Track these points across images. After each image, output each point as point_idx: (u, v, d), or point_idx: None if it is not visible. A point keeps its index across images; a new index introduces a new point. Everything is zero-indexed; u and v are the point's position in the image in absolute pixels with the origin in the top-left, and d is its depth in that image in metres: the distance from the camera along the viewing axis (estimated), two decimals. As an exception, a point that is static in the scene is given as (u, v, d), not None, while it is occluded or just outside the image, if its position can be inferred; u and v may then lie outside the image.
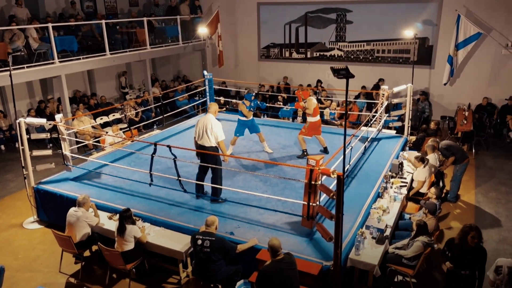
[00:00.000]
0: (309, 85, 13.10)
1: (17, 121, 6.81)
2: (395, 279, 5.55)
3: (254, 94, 8.29)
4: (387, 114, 9.19)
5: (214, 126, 6.23)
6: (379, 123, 9.01)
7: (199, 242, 4.87)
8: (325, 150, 8.12)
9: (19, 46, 9.34)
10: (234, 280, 5.01)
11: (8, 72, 7.28)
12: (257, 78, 14.44)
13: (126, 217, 5.35)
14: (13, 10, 10.36)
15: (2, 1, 10.82)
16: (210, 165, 6.25)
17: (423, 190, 6.95)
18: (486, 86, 11.48)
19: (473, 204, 7.64)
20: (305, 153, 7.94)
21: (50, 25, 9.57)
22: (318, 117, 7.94)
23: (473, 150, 10.01)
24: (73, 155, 7.49)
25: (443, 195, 7.64)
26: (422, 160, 6.94)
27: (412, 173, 7.33)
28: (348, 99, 7.48)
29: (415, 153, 7.69)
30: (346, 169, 6.73)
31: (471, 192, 8.03)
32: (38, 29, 9.85)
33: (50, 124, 7.33)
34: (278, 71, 14.12)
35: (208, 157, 6.26)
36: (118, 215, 5.93)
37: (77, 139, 8.80)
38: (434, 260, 5.93)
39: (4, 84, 9.06)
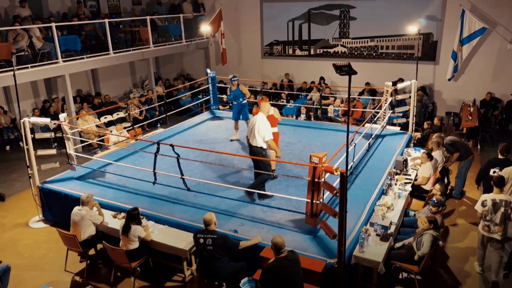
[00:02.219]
0: (312, 82, 13.06)
1: (22, 120, 6.84)
2: (400, 276, 5.53)
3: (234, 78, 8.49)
4: (391, 111, 9.15)
5: (261, 126, 6.24)
6: (383, 120, 8.98)
7: (201, 240, 4.87)
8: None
9: (23, 46, 9.38)
10: (238, 278, 5.01)
11: (12, 72, 7.31)
12: (260, 75, 14.42)
13: (133, 216, 5.37)
14: (16, 10, 10.40)
15: (5, 1, 10.87)
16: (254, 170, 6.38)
17: (428, 187, 6.92)
18: (491, 82, 11.39)
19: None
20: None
21: (53, 24, 9.60)
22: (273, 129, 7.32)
23: (478, 146, 9.94)
24: (78, 154, 7.52)
25: (448, 191, 7.61)
26: (430, 156, 6.90)
27: (417, 170, 7.30)
28: (351, 96, 7.41)
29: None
30: (349, 166, 6.73)
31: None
32: (41, 28, 9.89)
33: (54, 124, 7.38)
34: (282, 68, 14.09)
35: (257, 156, 6.30)
36: (123, 213, 5.98)
37: (81, 138, 8.84)
38: (439, 257, 5.91)
39: (8, 84, 9.11)
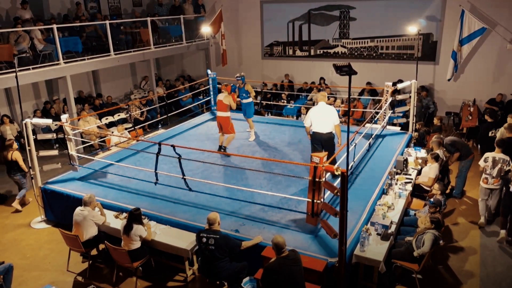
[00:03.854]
0: (312, 83, 13.09)
1: (24, 121, 6.88)
2: (400, 275, 5.55)
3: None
4: (392, 111, 9.18)
5: (331, 113, 6.67)
6: (383, 120, 9.00)
7: (204, 240, 4.91)
8: (219, 148, 8.27)
9: (24, 47, 9.41)
10: (239, 277, 5.04)
11: (14, 74, 7.34)
12: (260, 76, 14.45)
13: (135, 216, 5.40)
14: (18, 12, 10.45)
15: (7, 3, 10.91)
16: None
17: (428, 186, 6.94)
18: (491, 82, 11.41)
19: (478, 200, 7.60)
20: (222, 149, 8.25)
21: (54, 26, 9.64)
22: (218, 113, 8.21)
23: (479, 146, 9.95)
24: (79, 155, 7.55)
25: (448, 191, 7.63)
26: (436, 158, 6.94)
27: (417, 169, 7.32)
28: (351, 96, 7.58)
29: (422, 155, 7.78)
30: (350, 166, 6.76)
31: (477, 188, 7.97)
32: (43, 30, 9.93)
33: (56, 125, 7.43)
34: (282, 69, 14.12)
35: (328, 143, 6.76)
36: (125, 213, 6.01)
37: (82, 139, 8.87)
38: (439, 256, 5.93)
39: (10, 85, 9.14)
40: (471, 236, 6.47)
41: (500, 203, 6.57)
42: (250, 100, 8.90)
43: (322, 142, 6.76)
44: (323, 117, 6.67)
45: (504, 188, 6.50)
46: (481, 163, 6.69)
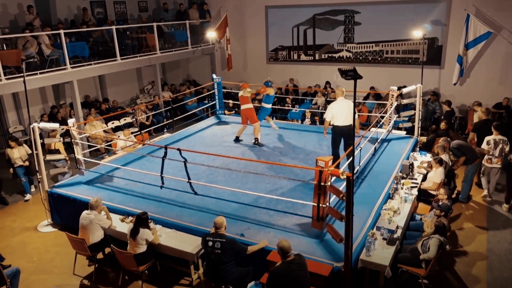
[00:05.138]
0: (316, 86, 13.11)
1: (31, 126, 6.95)
2: (406, 280, 5.52)
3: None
4: (397, 115, 9.16)
5: (350, 107, 6.85)
6: (389, 124, 8.99)
7: (210, 243, 4.92)
8: (236, 139, 9.17)
9: (32, 52, 9.52)
10: (245, 282, 5.04)
11: (22, 79, 7.43)
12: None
13: (142, 220, 5.43)
14: (26, 18, 10.58)
15: (14, 9, 11.05)
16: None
17: (433, 190, 6.91)
18: (497, 86, 11.37)
19: (485, 205, 7.57)
20: (256, 141, 8.95)
21: (62, 31, 9.74)
22: (242, 107, 8.91)
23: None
24: (86, 159, 7.61)
25: (454, 195, 7.60)
26: (440, 162, 6.91)
27: (423, 174, 7.30)
28: (357, 100, 7.65)
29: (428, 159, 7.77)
30: (356, 170, 6.76)
31: (483, 192, 7.95)
32: (50, 35, 10.04)
33: (62, 129, 7.53)
34: (287, 73, 14.14)
35: (349, 135, 7.08)
36: (131, 217, 6.04)
37: (89, 143, 8.93)
38: (446, 261, 5.90)
39: (18, 90, 9.24)
40: (478, 241, 6.43)
41: (498, 181, 7.74)
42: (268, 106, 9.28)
43: (343, 135, 7.17)
44: (344, 111, 7.03)
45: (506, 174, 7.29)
46: (484, 146, 7.47)
